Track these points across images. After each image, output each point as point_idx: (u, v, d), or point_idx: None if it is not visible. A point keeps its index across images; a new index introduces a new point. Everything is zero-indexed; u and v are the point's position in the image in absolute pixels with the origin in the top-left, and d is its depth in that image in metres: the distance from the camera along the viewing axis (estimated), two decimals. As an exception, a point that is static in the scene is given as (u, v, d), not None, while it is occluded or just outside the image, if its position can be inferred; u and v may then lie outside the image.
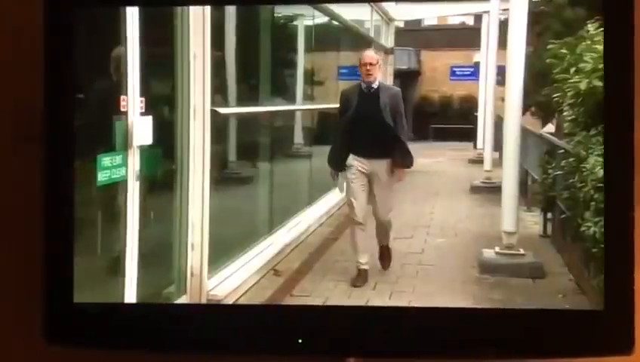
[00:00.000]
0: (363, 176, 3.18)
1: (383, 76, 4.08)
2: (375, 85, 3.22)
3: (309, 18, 3.86)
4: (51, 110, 1.74)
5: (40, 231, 1.74)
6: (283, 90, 4.10)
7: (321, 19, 3.94)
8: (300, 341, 1.69)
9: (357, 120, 3.18)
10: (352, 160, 3.19)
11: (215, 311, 1.92)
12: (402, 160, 3.18)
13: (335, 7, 3.62)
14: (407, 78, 4.40)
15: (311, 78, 4.12)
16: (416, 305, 2.36)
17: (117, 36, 2.62)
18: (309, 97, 4.17)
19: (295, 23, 3.91)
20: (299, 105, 4.14)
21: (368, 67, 3.18)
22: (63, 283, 1.73)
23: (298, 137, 4.19)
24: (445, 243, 3.31)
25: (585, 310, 1.77)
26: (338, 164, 3.21)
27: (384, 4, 3.98)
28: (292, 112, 4.17)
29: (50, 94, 1.74)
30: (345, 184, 3.20)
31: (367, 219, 3.13)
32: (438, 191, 3.90)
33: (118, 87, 2.66)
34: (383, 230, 3.19)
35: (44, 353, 1.80)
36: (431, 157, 4.26)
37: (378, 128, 3.17)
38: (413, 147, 4.26)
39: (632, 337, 1.61)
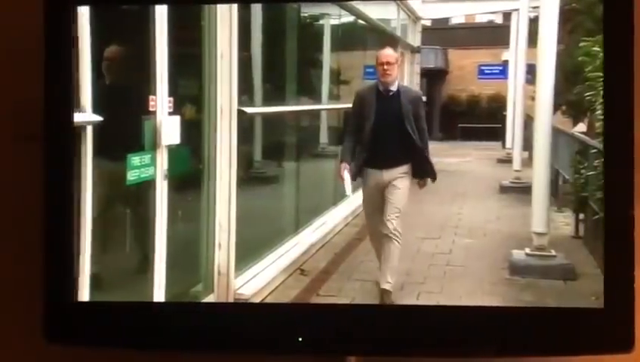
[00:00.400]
0: (379, 190, 2.96)
1: (409, 76, 4.05)
2: (394, 87, 2.95)
3: (335, 17, 3.85)
4: (51, 109, 1.74)
5: (40, 230, 1.74)
6: (309, 89, 4.09)
7: (348, 18, 3.92)
8: (299, 339, 1.69)
9: (376, 128, 2.91)
10: (367, 173, 2.97)
11: (215, 310, 1.92)
12: (424, 174, 2.95)
13: (362, 6, 3.59)
14: (434, 77, 4.36)
15: (337, 78, 4.11)
16: (415, 304, 2.34)
17: (146, 36, 2.64)
18: (334, 97, 4.16)
19: (321, 22, 3.90)
20: (324, 105, 4.13)
21: (386, 66, 2.93)
22: (63, 282, 1.74)
23: (324, 137, 4.18)
24: (474, 243, 3.26)
25: (585, 308, 1.76)
26: (356, 174, 2.90)
27: (411, 3, 3.95)
28: (318, 112, 4.16)
29: (51, 94, 1.74)
30: (349, 183, 2.97)
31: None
32: (465, 191, 3.85)
33: (147, 86, 2.68)
34: (388, 246, 2.88)
35: (45, 352, 1.80)
36: (458, 157, 4.21)
37: (399, 137, 2.92)
38: (441, 147, 4.23)
39: (632, 335, 1.62)
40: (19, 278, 1.95)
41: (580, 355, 1.72)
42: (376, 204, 2.98)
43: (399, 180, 2.95)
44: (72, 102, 1.77)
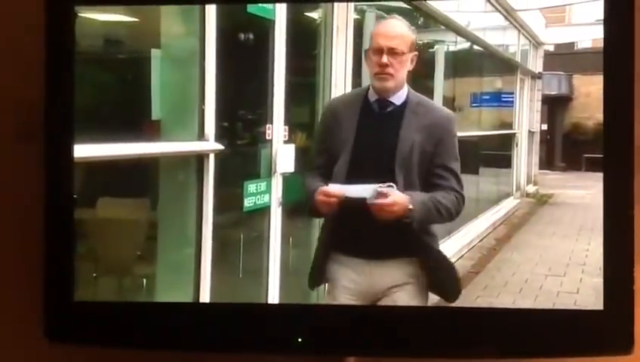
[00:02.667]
0: (356, 300, 1.78)
1: (529, 103, 3.89)
2: (397, 99, 1.67)
3: (450, 43, 3.78)
4: (51, 108, 1.75)
5: (40, 230, 1.76)
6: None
7: (464, 44, 3.84)
8: (299, 339, 1.67)
9: (351, 172, 1.67)
10: (336, 265, 1.81)
11: (214, 309, 1.91)
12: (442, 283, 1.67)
13: (480, 33, 3.51)
14: (556, 104, 4.15)
15: (451, 105, 4.01)
16: (415, 305, 2.27)
17: (263, 65, 2.70)
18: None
19: (436, 47, 3.85)
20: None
21: (385, 58, 1.63)
22: (63, 281, 1.75)
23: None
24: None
25: (584, 309, 1.76)
26: (313, 274, 1.81)
27: (533, 29, 3.81)
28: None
29: (50, 93, 1.75)
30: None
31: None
32: (593, 226, 3.58)
33: (264, 116, 2.74)
34: None
35: (46, 352, 1.81)
36: (583, 189, 3.94)
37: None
38: (564, 178, 3.99)
39: (632, 337, 1.61)
40: (20, 277, 1.96)
41: (579, 357, 1.70)
42: None
43: (401, 290, 1.72)
44: (72, 103, 1.76)
